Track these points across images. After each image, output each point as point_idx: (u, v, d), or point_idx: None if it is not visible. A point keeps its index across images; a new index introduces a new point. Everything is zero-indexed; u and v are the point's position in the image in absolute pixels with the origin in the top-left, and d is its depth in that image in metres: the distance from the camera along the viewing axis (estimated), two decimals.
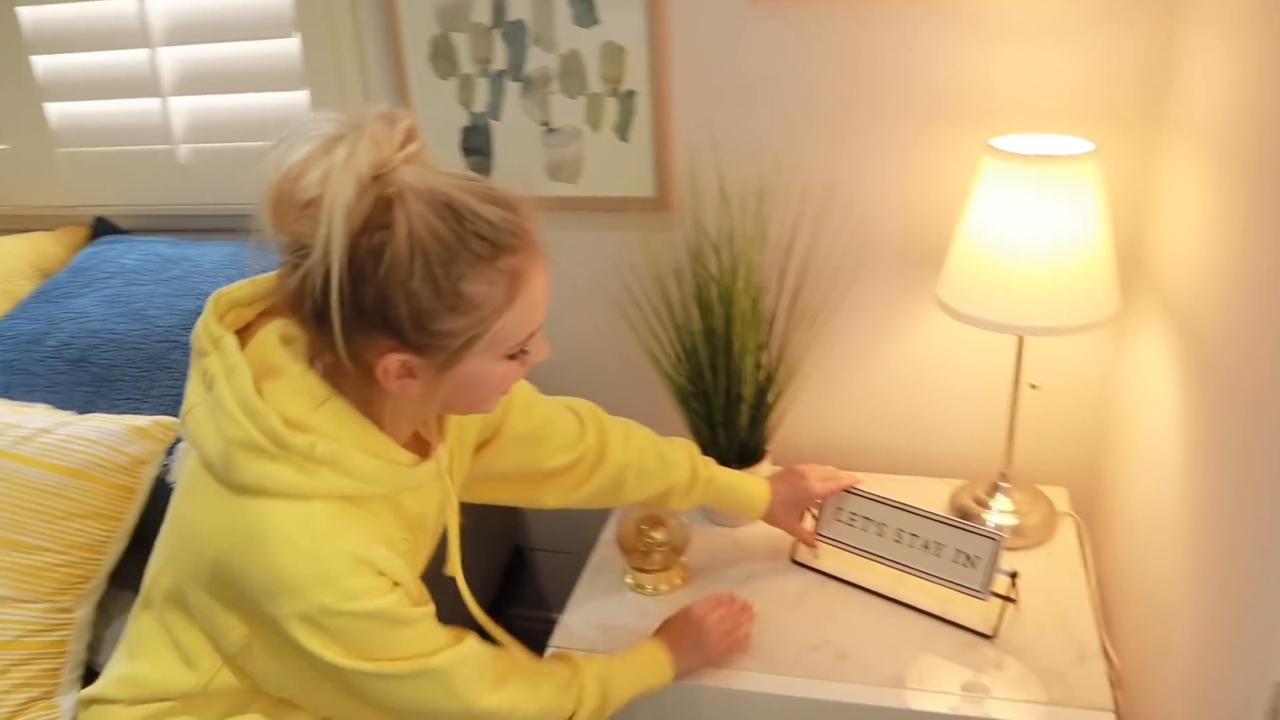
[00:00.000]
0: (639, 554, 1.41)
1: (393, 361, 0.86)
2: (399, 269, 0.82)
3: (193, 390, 0.93)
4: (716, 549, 1.51)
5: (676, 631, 1.24)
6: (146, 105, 1.77)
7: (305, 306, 0.87)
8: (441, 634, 0.96)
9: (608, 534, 1.57)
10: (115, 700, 1.00)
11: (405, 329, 0.84)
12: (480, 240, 0.83)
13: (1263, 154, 0.97)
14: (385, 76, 1.63)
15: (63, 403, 1.55)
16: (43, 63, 1.79)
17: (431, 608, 0.96)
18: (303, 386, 0.89)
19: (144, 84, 1.75)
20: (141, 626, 1.01)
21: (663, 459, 1.29)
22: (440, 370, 0.88)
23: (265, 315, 0.95)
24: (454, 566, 1.08)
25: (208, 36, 1.69)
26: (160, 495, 1.47)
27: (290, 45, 1.66)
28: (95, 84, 1.78)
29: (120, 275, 1.69)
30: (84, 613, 1.37)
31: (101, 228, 1.88)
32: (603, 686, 1.12)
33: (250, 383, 0.87)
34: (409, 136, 0.85)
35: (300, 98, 1.69)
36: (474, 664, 0.98)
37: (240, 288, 0.94)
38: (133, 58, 1.74)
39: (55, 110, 1.83)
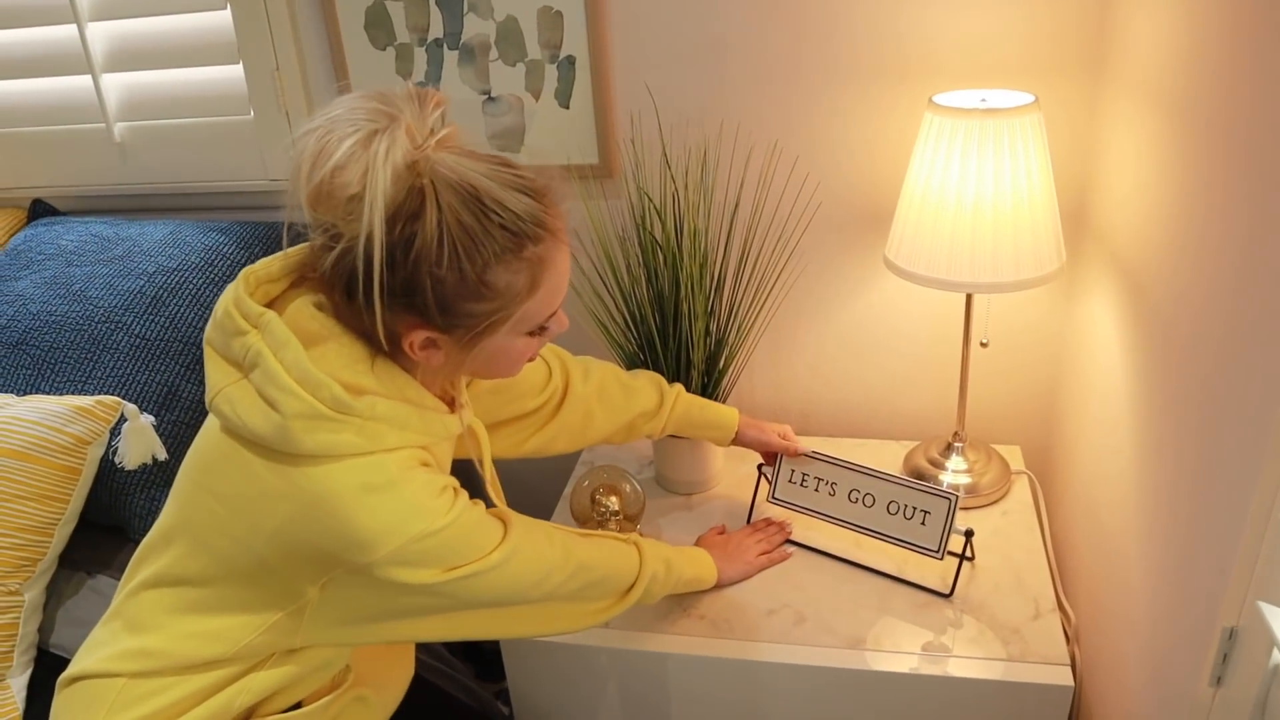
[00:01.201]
0: (594, 523, 1.40)
1: (419, 337, 0.91)
2: (427, 258, 0.85)
3: (216, 372, 0.94)
4: (672, 517, 1.50)
5: (717, 544, 1.36)
6: (78, 83, 1.73)
7: (339, 285, 0.90)
8: (497, 520, 1.01)
9: (563, 505, 1.55)
10: (115, 674, 0.99)
11: (431, 311, 0.88)
12: (505, 232, 0.87)
13: (1201, 104, 0.96)
14: (320, 47, 1.59)
15: (3, 387, 1.51)
16: None
17: (481, 502, 1.00)
18: (348, 351, 0.92)
19: (74, 61, 1.70)
20: (148, 604, 1.00)
21: (626, 387, 1.33)
22: (465, 346, 0.92)
23: (291, 288, 0.98)
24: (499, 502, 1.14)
25: (137, 10, 1.64)
26: (107, 476, 1.45)
27: (222, 18, 1.62)
28: (24, 61, 1.73)
29: (59, 257, 1.65)
30: (34, 595, 1.35)
31: (39, 209, 1.84)
32: (663, 557, 1.20)
33: (304, 356, 0.89)
34: (440, 120, 0.88)
35: (235, 71, 1.65)
36: (530, 528, 1.04)
37: (269, 264, 0.96)
38: (62, 33, 1.69)
39: None
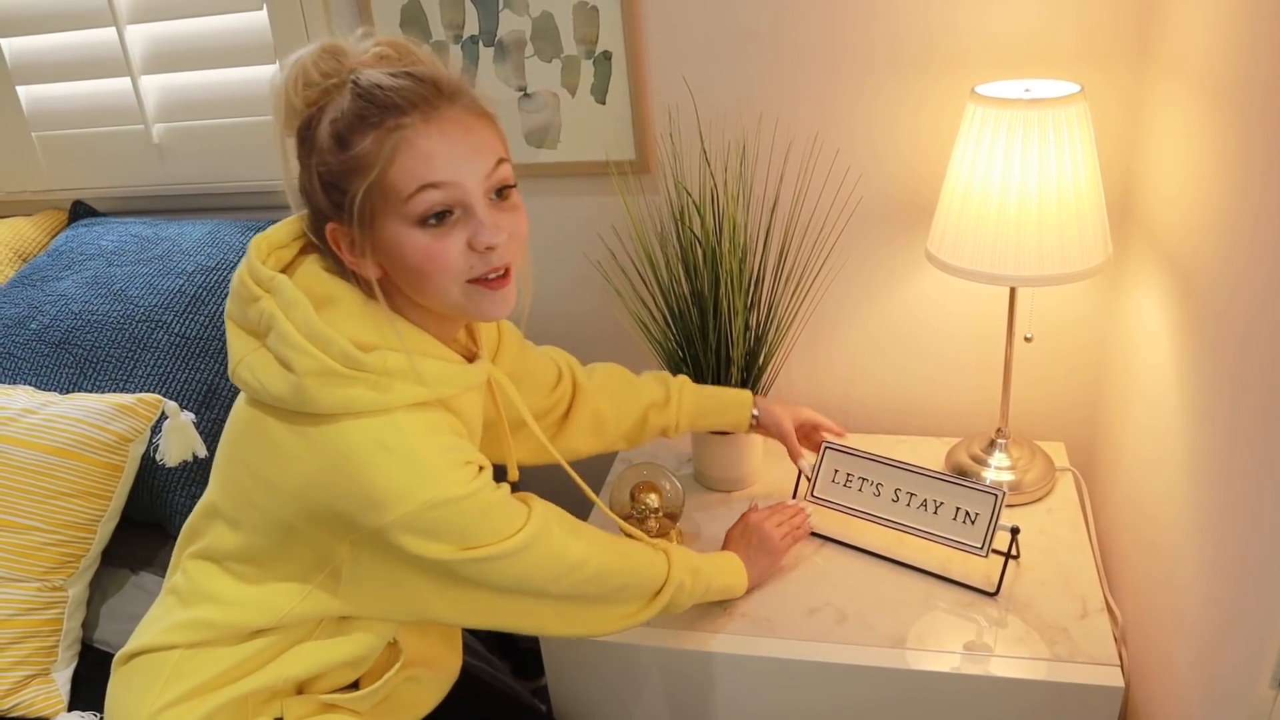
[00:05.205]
0: (634, 520, 1.39)
1: (330, 232, 0.92)
2: (321, 149, 0.89)
3: (236, 342, 0.96)
4: (712, 514, 1.49)
5: (741, 541, 1.31)
6: (118, 85, 1.74)
7: (311, 228, 0.94)
8: (521, 505, 1.00)
9: (603, 502, 1.54)
10: (171, 646, 1.01)
11: (329, 201, 0.90)
12: (374, 107, 0.87)
13: (1256, 89, 0.94)
14: None
15: (47, 386, 1.53)
16: (11, 45, 1.76)
17: (507, 486, 0.99)
18: (358, 307, 0.93)
19: (114, 63, 1.71)
20: (198, 576, 1.02)
21: (631, 382, 1.35)
22: (370, 241, 0.91)
23: (301, 254, 0.99)
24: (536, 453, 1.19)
25: (175, 12, 1.66)
26: (149, 474, 1.46)
27: (259, 18, 1.63)
28: (65, 65, 1.75)
29: (100, 257, 1.67)
30: (78, 590, 1.37)
31: (79, 211, 1.85)
32: (692, 566, 1.17)
33: (313, 313, 0.90)
34: (387, 47, 0.92)
35: (271, 71, 1.65)
36: (554, 520, 1.02)
37: (277, 230, 0.98)
38: (101, 37, 1.71)
39: (28, 94, 1.80)
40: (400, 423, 0.91)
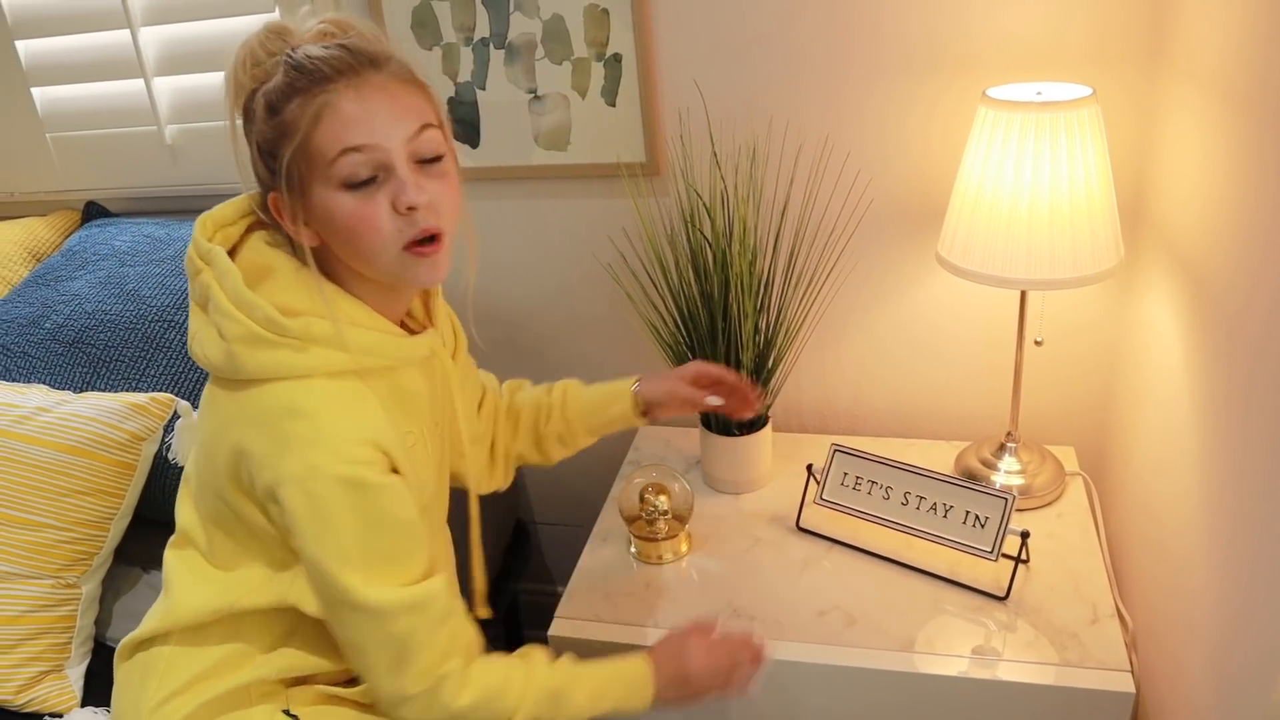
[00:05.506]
0: (642, 522, 1.39)
1: (272, 201, 0.94)
2: (257, 119, 0.91)
3: (192, 318, 0.99)
4: (721, 516, 1.49)
5: (665, 656, 1.10)
6: (131, 86, 1.75)
7: (259, 203, 0.97)
8: (425, 563, 0.96)
9: (610, 505, 1.55)
10: (153, 636, 1.04)
11: (266, 169, 0.93)
12: (303, 77, 0.89)
13: (1265, 93, 0.93)
14: None
15: (61, 385, 1.54)
16: (26, 47, 1.77)
17: (425, 536, 0.96)
18: (292, 276, 0.95)
19: (128, 65, 1.72)
20: (169, 565, 1.05)
21: (521, 386, 1.31)
22: (302, 207, 0.92)
23: (249, 231, 1.01)
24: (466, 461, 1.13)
25: (188, 15, 1.67)
26: (161, 473, 1.47)
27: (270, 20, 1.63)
28: (79, 66, 1.76)
29: (113, 257, 1.68)
30: (90, 588, 1.38)
31: (92, 211, 1.86)
32: (554, 693, 1.03)
33: (241, 281, 0.93)
34: (330, 24, 0.94)
35: None
36: (435, 613, 0.95)
37: (223, 208, 1.00)
38: (115, 39, 1.71)
39: (42, 95, 1.81)
40: (315, 387, 0.92)
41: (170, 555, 1.06)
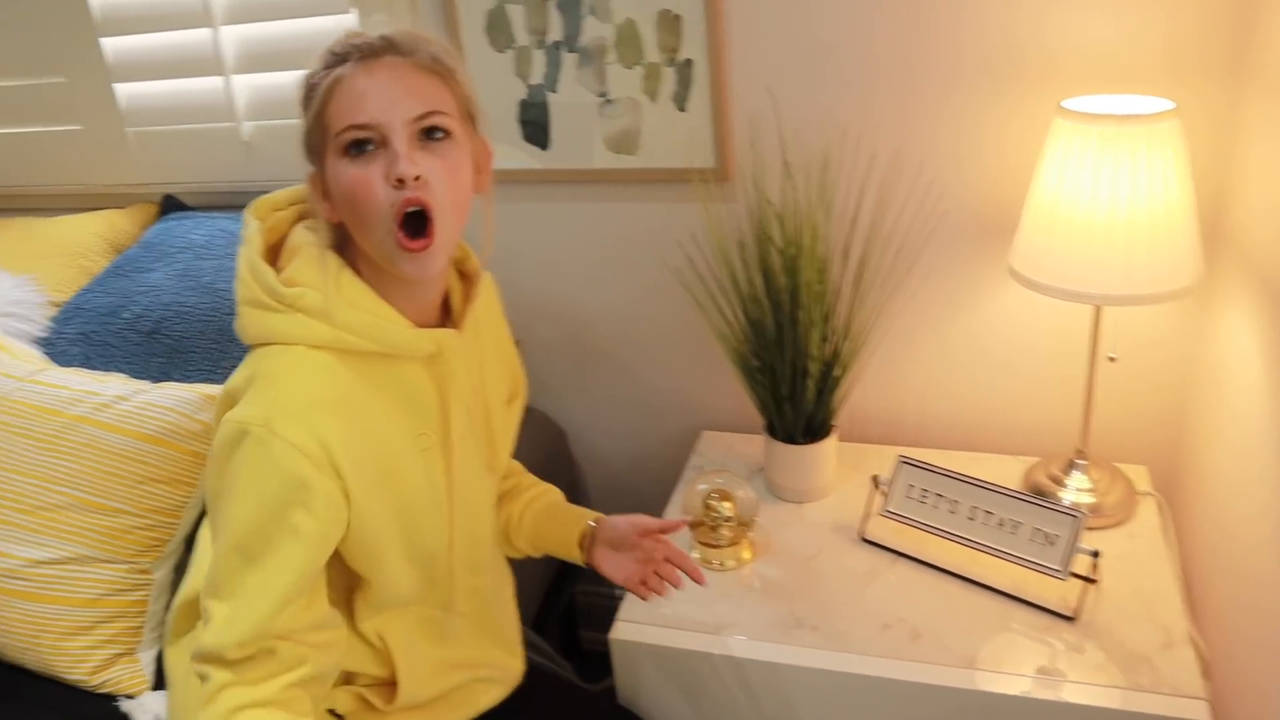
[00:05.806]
0: (706, 528, 1.39)
1: (312, 179, 0.98)
2: (300, 103, 0.96)
3: None
4: (784, 524, 1.48)
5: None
6: (210, 84, 1.79)
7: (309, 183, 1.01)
8: (319, 593, 0.97)
9: (674, 509, 1.55)
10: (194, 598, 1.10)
11: (305, 147, 0.97)
12: (332, 56, 0.95)
13: None
14: None
15: (139, 374, 1.58)
16: (112, 44, 1.82)
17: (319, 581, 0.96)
18: (314, 254, 0.98)
19: (208, 63, 1.76)
20: (202, 542, 1.12)
21: (512, 470, 1.31)
22: (322, 179, 0.96)
23: (301, 218, 1.05)
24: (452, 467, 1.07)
25: (267, 14, 1.70)
26: None
27: (347, 21, 1.66)
28: (161, 64, 1.80)
29: (190, 250, 1.72)
30: (162, 574, 1.41)
31: (170, 204, 1.91)
32: None
33: (257, 251, 0.98)
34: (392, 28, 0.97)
35: None
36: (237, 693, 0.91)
37: (279, 194, 1.05)
38: (196, 37, 1.75)
39: (124, 91, 1.86)
40: (300, 355, 0.94)
41: (203, 536, 1.12)
